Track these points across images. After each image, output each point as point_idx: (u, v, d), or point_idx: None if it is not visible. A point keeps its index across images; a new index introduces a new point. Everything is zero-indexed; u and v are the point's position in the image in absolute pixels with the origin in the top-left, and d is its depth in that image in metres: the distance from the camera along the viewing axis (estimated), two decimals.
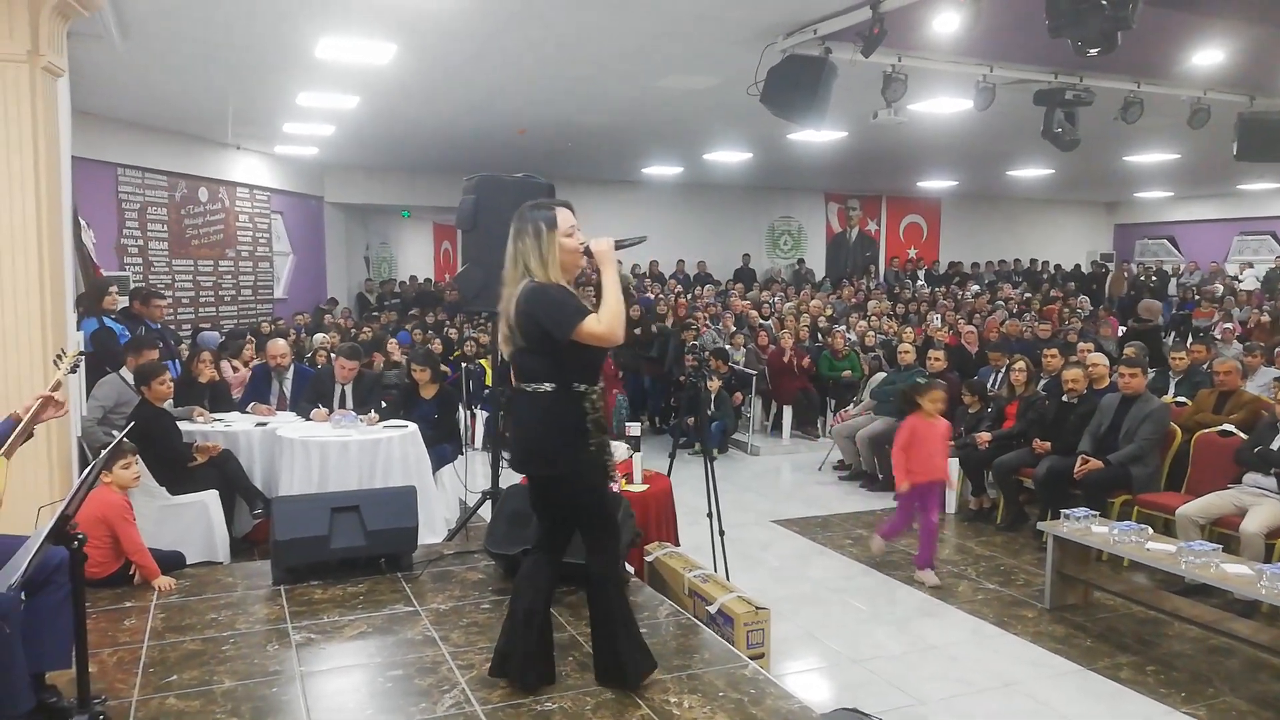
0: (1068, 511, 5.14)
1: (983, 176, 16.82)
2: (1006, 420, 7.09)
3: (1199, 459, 5.98)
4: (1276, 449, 5.38)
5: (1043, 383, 7.42)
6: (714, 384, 9.28)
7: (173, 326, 10.14)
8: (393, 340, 10.32)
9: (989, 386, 7.87)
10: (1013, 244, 20.65)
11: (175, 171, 11.39)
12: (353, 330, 11.64)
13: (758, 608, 4.13)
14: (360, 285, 16.44)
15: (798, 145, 11.97)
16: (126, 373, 5.97)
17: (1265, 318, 12.57)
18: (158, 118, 10.30)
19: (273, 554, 4.67)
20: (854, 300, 15.32)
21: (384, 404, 6.52)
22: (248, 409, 6.68)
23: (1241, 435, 5.78)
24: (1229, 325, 12.35)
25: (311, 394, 6.59)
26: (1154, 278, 18.29)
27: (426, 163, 14.56)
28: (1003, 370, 7.85)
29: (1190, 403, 6.68)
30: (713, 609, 4.22)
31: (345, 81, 8.27)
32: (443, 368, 7.69)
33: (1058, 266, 20.06)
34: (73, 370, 3.62)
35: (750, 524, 6.89)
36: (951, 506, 7.17)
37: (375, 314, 13.84)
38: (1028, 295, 16.02)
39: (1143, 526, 4.89)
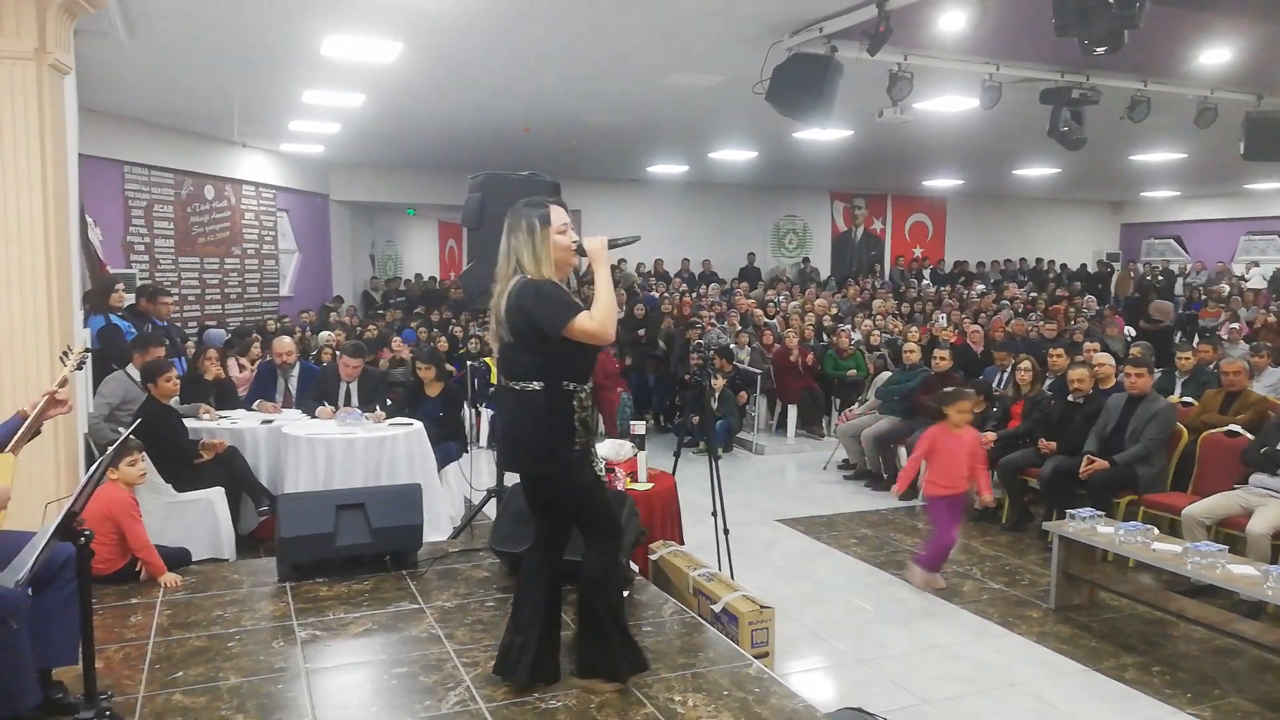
0: (1073, 511, 5.13)
1: (989, 175, 16.79)
2: (1012, 420, 7.08)
3: (1205, 459, 5.96)
4: None
5: (1048, 382, 7.41)
6: (718, 382, 9.27)
7: (179, 324, 10.17)
8: (397, 338, 10.34)
9: (994, 386, 7.86)
10: (1018, 243, 20.61)
11: (181, 169, 11.42)
12: (358, 328, 11.66)
13: (762, 607, 4.13)
14: (365, 283, 16.47)
15: (803, 144, 11.96)
16: (133, 370, 5.99)
17: (1272, 317, 12.54)
18: (164, 115, 10.32)
19: (278, 551, 4.68)
20: (859, 299, 15.31)
21: (389, 402, 6.54)
22: (253, 406, 6.70)
23: (1248, 435, 5.76)
24: (1236, 325, 12.31)
25: (316, 392, 6.60)
26: (1160, 277, 18.24)
27: (432, 161, 14.57)
28: (1008, 370, 7.84)
29: (1196, 403, 6.66)
30: (717, 608, 4.22)
31: (351, 79, 8.28)
32: (448, 366, 7.70)
33: (1064, 266, 20.01)
34: (79, 367, 3.64)
35: (755, 523, 6.89)
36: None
37: (380, 312, 13.86)
38: (1033, 295, 15.98)
39: (1148, 527, 4.88)
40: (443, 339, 10.76)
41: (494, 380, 9.06)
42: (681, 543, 5.15)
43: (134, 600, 4.37)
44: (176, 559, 4.80)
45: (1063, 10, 5.23)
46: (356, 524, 4.71)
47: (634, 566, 4.64)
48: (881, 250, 20.05)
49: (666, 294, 14.22)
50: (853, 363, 10.20)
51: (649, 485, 5.09)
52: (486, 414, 9.44)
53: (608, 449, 5.23)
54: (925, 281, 18.32)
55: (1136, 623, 4.98)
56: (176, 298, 10.63)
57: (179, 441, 5.67)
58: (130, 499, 4.60)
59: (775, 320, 12.32)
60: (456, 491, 6.59)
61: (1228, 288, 16.35)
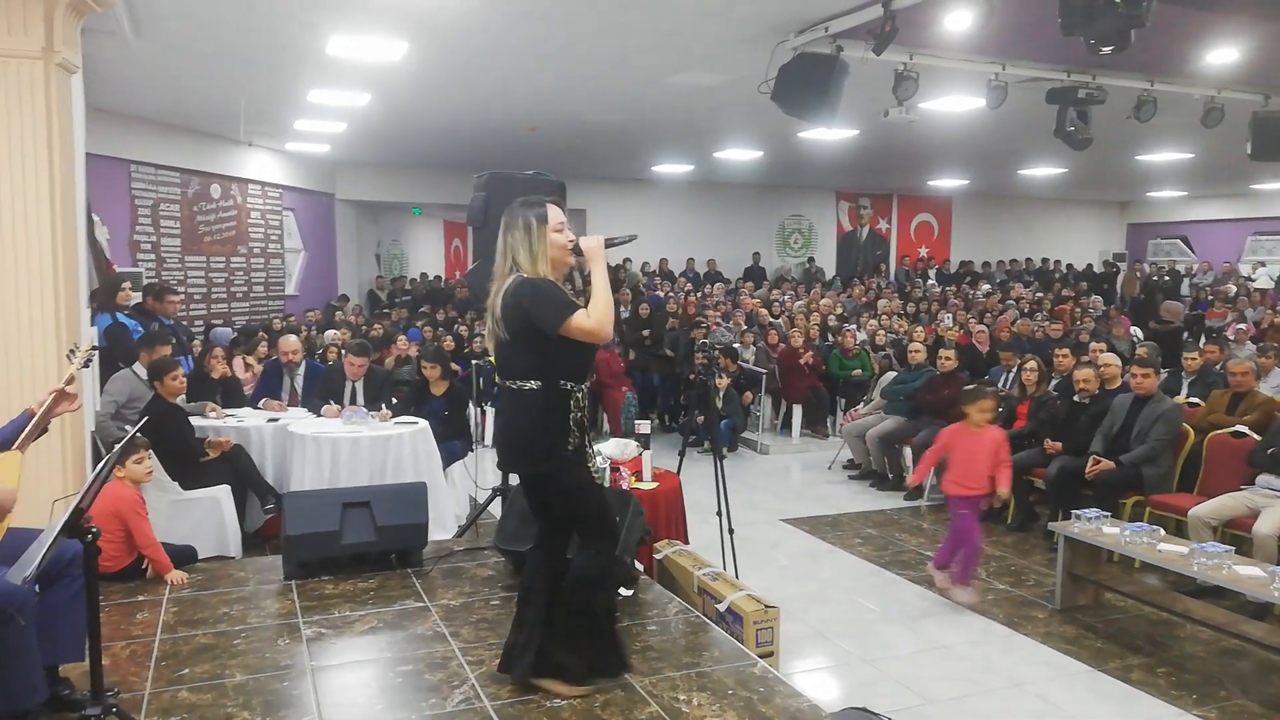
0: (1079, 512, 5.12)
1: (994, 175, 16.76)
2: (1018, 420, 7.07)
3: (1212, 460, 5.95)
4: None
5: (1054, 382, 7.39)
6: (722, 381, 9.27)
7: (185, 322, 10.19)
8: (402, 336, 10.35)
9: (1000, 386, 7.84)
10: (1024, 243, 20.57)
11: (188, 168, 11.44)
12: (363, 327, 11.67)
13: (767, 606, 4.13)
14: (371, 282, 16.49)
15: (808, 143, 11.95)
16: (139, 368, 6.01)
17: (1279, 318, 12.48)
18: (171, 114, 10.35)
19: (284, 549, 4.69)
20: (864, 299, 15.29)
21: (394, 400, 6.55)
22: (259, 405, 6.72)
23: (1255, 436, 5.74)
24: (1242, 326, 12.29)
25: (322, 390, 6.62)
26: (1167, 278, 18.20)
27: (437, 160, 14.59)
28: (1014, 370, 7.83)
29: (1203, 403, 6.65)
30: (722, 607, 4.22)
31: (357, 79, 8.29)
32: (453, 365, 7.71)
33: (1070, 266, 19.97)
34: (86, 365, 3.65)
35: (760, 522, 6.89)
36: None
37: (386, 311, 13.87)
38: (1039, 295, 15.95)
39: (1154, 528, 4.86)
40: (448, 338, 10.77)
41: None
42: (686, 542, 5.15)
43: (140, 597, 4.39)
44: (183, 556, 4.82)
45: (1069, 10, 5.22)
46: (362, 522, 4.73)
47: (639, 565, 4.64)
48: (887, 250, 20.02)
49: (671, 293, 14.22)
50: (858, 363, 10.19)
51: (654, 484, 5.10)
52: (491, 413, 9.44)
53: (613, 448, 5.24)
54: (930, 281, 18.29)
55: (1142, 624, 4.97)
56: (183, 296, 10.65)
57: (185, 439, 5.69)
58: (137, 496, 4.62)
59: (780, 320, 12.31)
60: (461, 490, 6.60)
61: (1234, 288, 16.30)
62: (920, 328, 11.30)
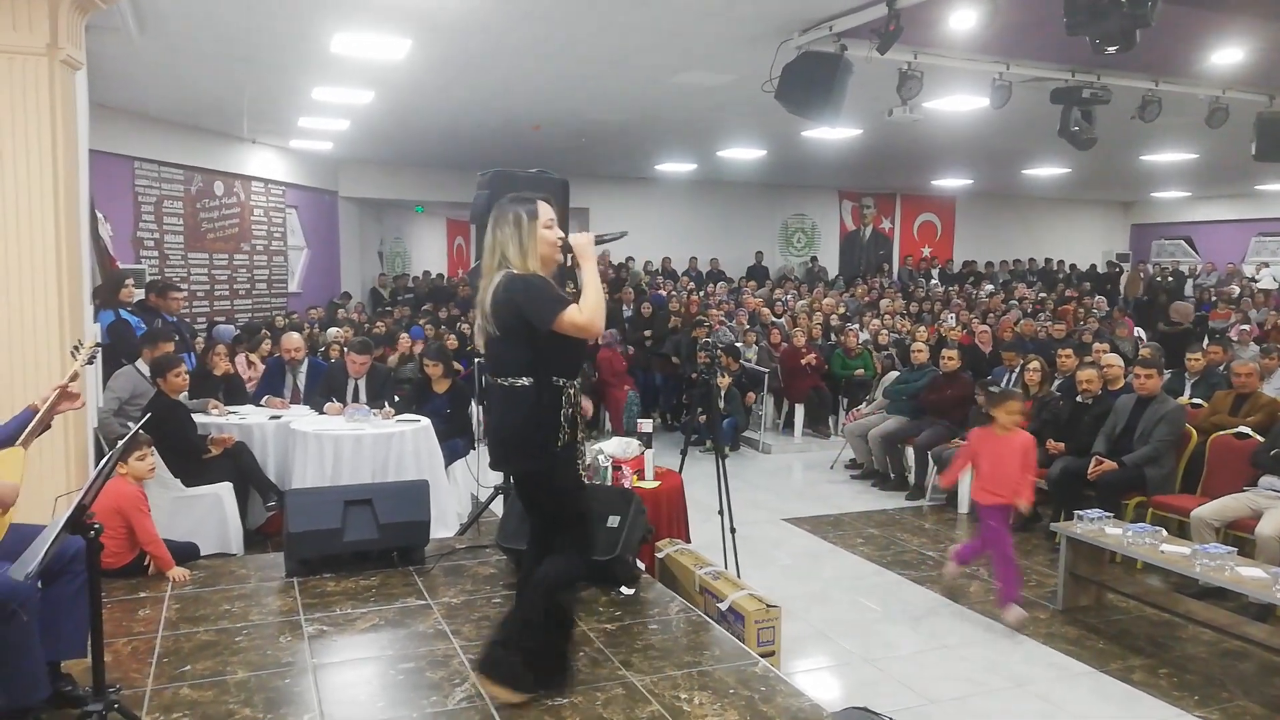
0: (1081, 512, 5.11)
1: (998, 175, 16.74)
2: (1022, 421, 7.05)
3: (1215, 461, 5.94)
4: None
5: (1057, 383, 7.39)
6: (723, 380, 9.26)
7: (188, 319, 10.20)
8: (405, 334, 10.36)
9: (1003, 386, 7.83)
10: (1028, 243, 20.54)
11: (191, 165, 11.45)
12: (366, 325, 11.68)
13: (769, 605, 4.13)
14: (374, 280, 16.48)
15: (812, 142, 11.94)
16: (142, 365, 6.02)
17: None
18: (174, 111, 10.36)
19: (286, 546, 4.69)
20: (867, 299, 15.27)
21: (396, 398, 6.55)
22: (261, 402, 6.72)
23: (1258, 437, 5.74)
24: (1246, 327, 12.26)
25: (324, 388, 6.62)
26: (1170, 278, 18.17)
27: (440, 158, 14.59)
28: (1017, 370, 7.82)
29: (1206, 404, 6.63)
30: (724, 606, 4.22)
31: (360, 76, 8.29)
32: (455, 364, 7.70)
33: (1073, 266, 19.94)
34: (90, 362, 3.65)
35: (761, 522, 6.89)
36: (964, 507, 7.15)
37: (389, 309, 13.87)
38: (1042, 295, 15.93)
39: (1157, 528, 4.86)
40: (451, 336, 10.76)
41: None
42: (688, 541, 5.15)
43: (142, 594, 4.40)
44: (185, 553, 4.82)
45: (1074, 9, 5.22)
46: (364, 520, 4.73)
47: (641, 564, 4.64)
48: (890, 250, 20.01)
49: (674, 292, 14.22)
50: (860, 362, 10.18)
51: (656, 483, 5.10)
52: None
53: (615, 447, 5.24)
54: (933, 281, 18.28)
55: (1144, 624, 4.96)
56: (186, 293, 10.66)
57: (188, 436, 5.69)
58: (139, 493, 4.62)
59: (783, 319, 12.30)
60: (463, 488, 6.60)
61: (1238, 289, 16.28)
62: (923, 327, 11.27)
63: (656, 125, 11.17)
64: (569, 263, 3.24)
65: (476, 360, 8.19)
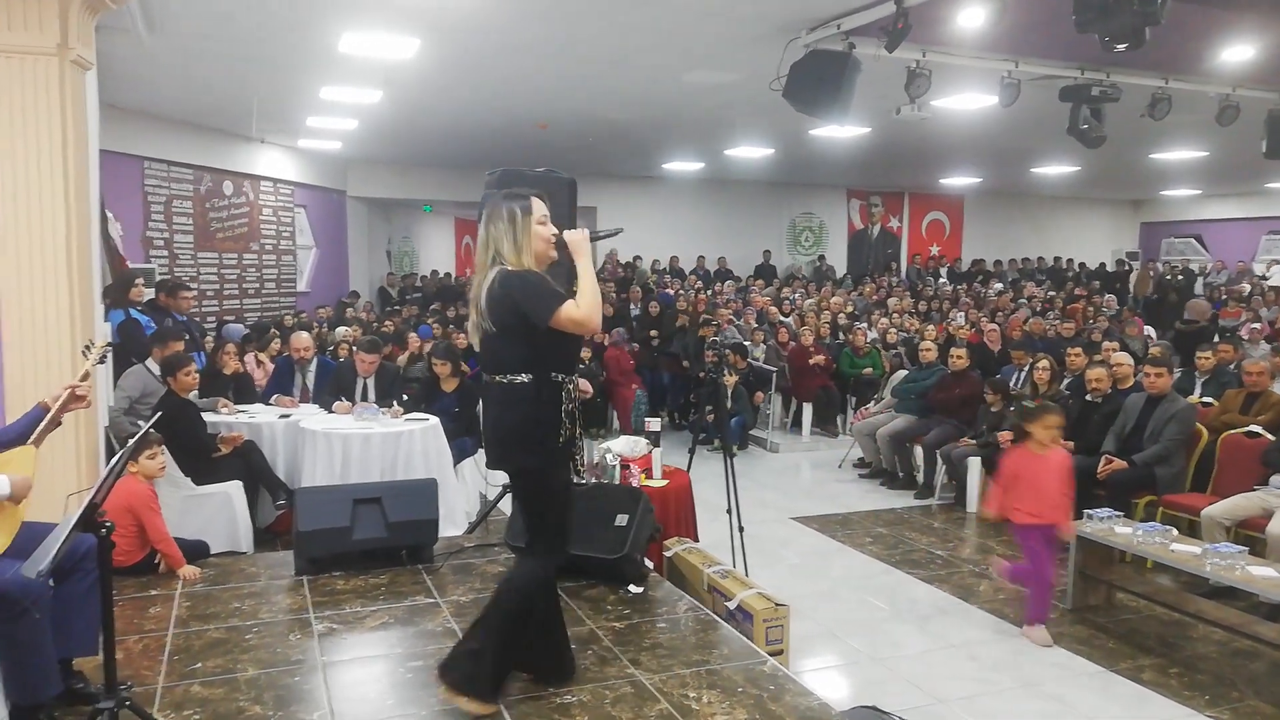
0: (1091, 511, 5.09)
1: (1007, 173, 16.69)
2: None
3: (1225, 460, 5.92)
4: None
5: (1066, 382, 7.36)
6: (730, 379, 9.25)
7: (198, 319, 10.24)
8: (413, 333, 10.37)
9: (1012, 385, 7.82)
10: (1037, 242, 20.48)
11: (200, 165, 11.49)
12: (375, 324, 11.70)
13: (777, 604, 4.13)
14: (382, 279, 16.53)
15: (820, 141, 11.92)
16: (152, 364, 6.05)
17: None
18: (183, 111, 10.40)
19: (295, 544, 4.71)
20: (875, 297, 15.26)
21: (405, 397, 6.56)
22: (271, 401, 6.74)
23: (1269, 436, 5.71)
24: (1256, 325, 12.20)
25: (333, 387, 6.64)
26: (1180, 277, 18.09)
27: (448, 157, 14.61)
28: (1026, 369, 7.80)
29: (1216, 403, 6.61)
30: (732, 605, 4.22)
31: (368, 76, 8.31)
32: (463, 364, 7.72)
33: (1082, 265, 19.87)
34: (100, 361, 3.66)
35: (770, 521, 6.88)
36: (973, 506, 7.13)
37: (397, 308, 13.90)
38: (1051, 293, 15.88)
39: (1167, 528, 4.84)
40: (459, 335, 10.77)
41: None
42: (696, 540, 5.15)
43: (153, 592, 4.41)
44: (195, 551, 4.84)
45: (1083, 6, 5.20)
46: (373, 518, 4.74)
47: (649, 563, 4.64)
48: (898, 248, 19.97)
49: (682, 291, 14.22)
50: (869, 361, 10.16)
51: (664, 482, 5.10)
52: None
53: (623, 445, 5.24)
54: (942, 280, 18.23)
55: (1154, 624, 4.94)
56: (195, 292, 10.70)
57: (198, 435, 5.71)
58: (150, 492, 4.64)
59: (791, 318, 12.29)
60: (472, 487, 6.61)
61: (1248, 287, 16.19)
62: (931, 326, 11.26)
63: (664, 124, 11.17)
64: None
65: None
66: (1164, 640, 4.74)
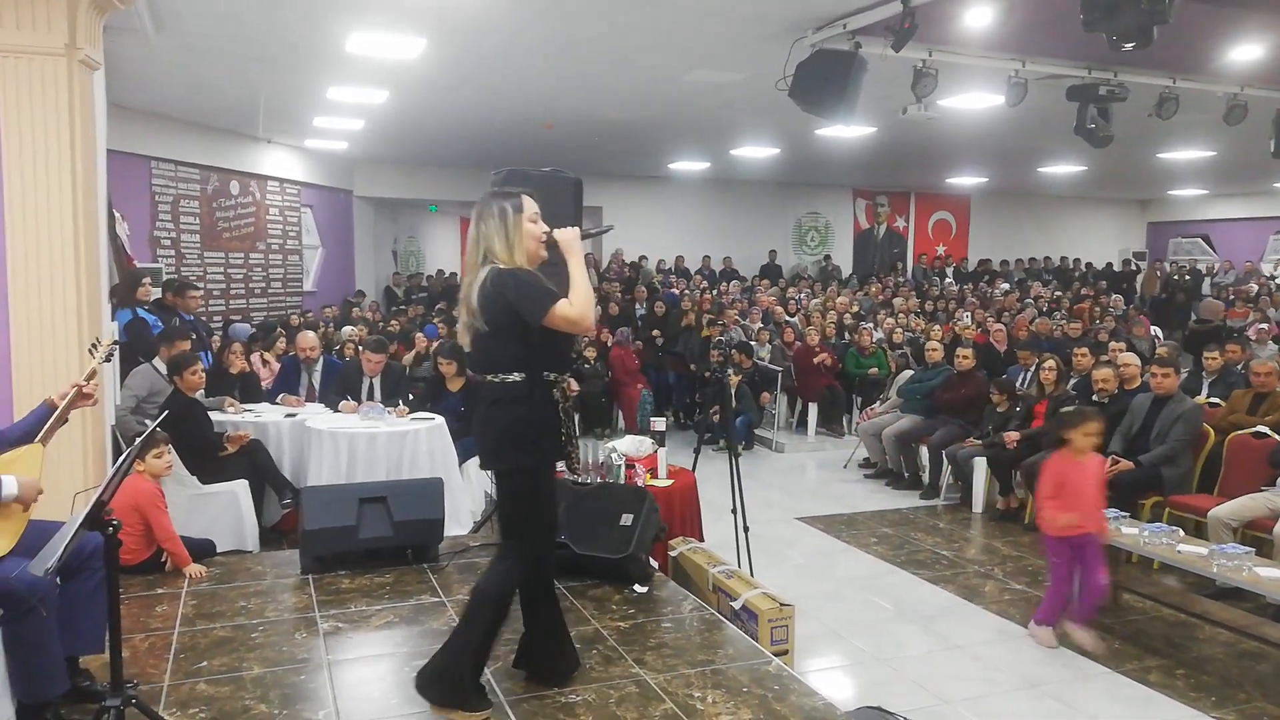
0: None
1: (1013, 173, 16.64)
2: (1035, 419, 7.02)
3: (1232, 461, 5.90)
4: None
5: (1073, 382, 7.35)
6: (733, 378, 9.24)
7: (204, 318, 10.26)
8: (419, 333, 10.39)
9: (1018, 385, 7.80)
10: (1043, 241, 20.42)
11: (207, 165, 11.52)
12: (380, 323, 11.72)
13: (782, 604, 4.13)
14: (388, 279, 16.55)
15: (826, 141, 11.91)
16: (159, 363, 6.06)
17: None
18: (190, 111, 10.42)
19: (301, 543, 4.72)
20: (881, 297, 15.23)
21: (411, 397, 6.57)
22: (277, 400, 6.76)
23: (1276, 437, 5.69)
24: (1264, 325, 12.15)
25: (339, 386, 6.65)
26: (1188, 277, 18.03)
27: (454, 157, 14.63)
28: (1032, 369, 7.78)
29: (1223, 403, 6.58)
30: (737, 605, 4.22)
31: (375, 76, 8.32)
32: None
33: (1089, 265, 19.81)
34: (107, 360, 3.68)
35: (775, 521, 6.88)
36: (979, 506, 7.12)
37: (403, 307, 13.93)
38: (1058, 293, 15.84)
39: (1174, 528, 4.82)
40: None
41: None
42: (701, 540, 5.15)
43: (159, 590, 4.43)
44: (201, 550, 4.86)
45: (1091, 5, 5.18)
46: (378, 517, 4.75)
47: (654, 562, 4.65)
48: (904, 248, 19.93)
49: (687, 291, 14.21)
50: (874, 361, 10.15)
51: (669, 482, 5.10)
52: None
53: (628, 445, 5.25)
54: (948, 280, 18.20)
55: (1161, 625, 4.93)
56: (202, 292, 10.73)
57: (204, 434, 5.73)
58: (156, 490, 4.66)
59: (796, 318, 12.28)
60: (477, 486, 6.61)
61: (1256, 287, 16.13)
62: (937, 326, 11.25)
63: (669, 124, 11.16)
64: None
65: None
66: (1170, 641, 4.73)
